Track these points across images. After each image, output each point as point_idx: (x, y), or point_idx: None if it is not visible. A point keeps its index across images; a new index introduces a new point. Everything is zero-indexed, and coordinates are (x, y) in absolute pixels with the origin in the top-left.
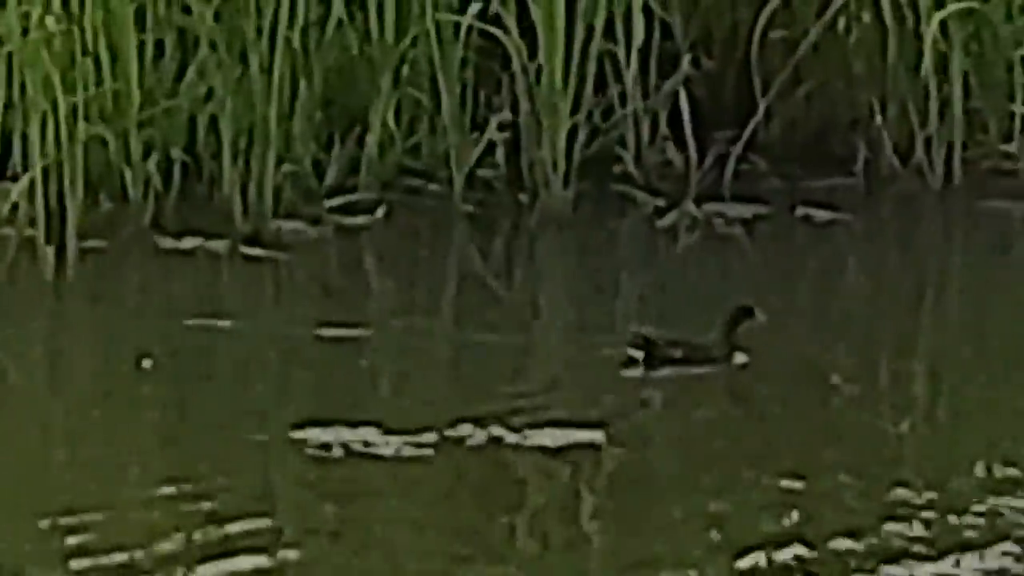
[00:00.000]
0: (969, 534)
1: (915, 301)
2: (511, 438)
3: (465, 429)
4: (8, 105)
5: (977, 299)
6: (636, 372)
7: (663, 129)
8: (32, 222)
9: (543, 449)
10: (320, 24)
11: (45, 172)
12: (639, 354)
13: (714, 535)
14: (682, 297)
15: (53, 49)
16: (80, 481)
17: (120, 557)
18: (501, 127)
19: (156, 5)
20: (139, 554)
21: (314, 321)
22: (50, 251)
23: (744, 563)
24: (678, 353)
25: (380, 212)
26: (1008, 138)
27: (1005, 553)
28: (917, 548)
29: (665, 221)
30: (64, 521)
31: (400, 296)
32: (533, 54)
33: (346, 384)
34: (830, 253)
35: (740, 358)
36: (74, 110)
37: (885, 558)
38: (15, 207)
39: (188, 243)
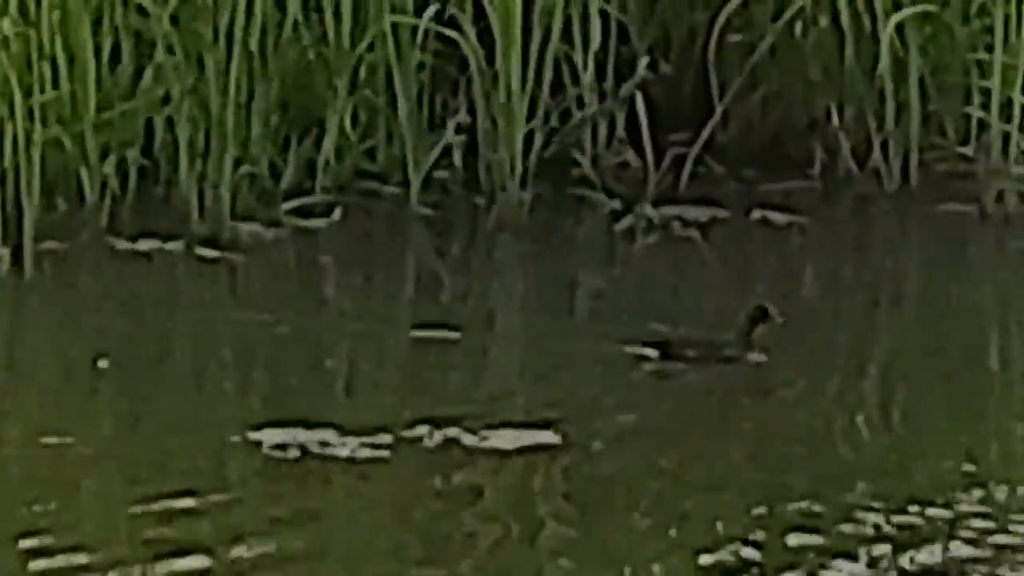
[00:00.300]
0: (923, 532)
1: (872, 304)
2: (468, 440)
3: (422, 430)
4: None
5: (934, 302)
6: (651, 368)
7: (620, 132)
8: None
9: (500, 451)
10: (276, 27)
11: (2, 174)
12: (654, 353)
13: (671, 541)
14: (640, 299)
15: (9, 51)
16: (35, 487)
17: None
18: (458, 130)
19: (113, 8)
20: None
21: (270, 323)
22: (6, 253)
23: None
24: (692, 352)
25: (336, 214)
26: (965, 141)
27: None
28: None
29: (622, 224)
30: (30, 540)
31: (357, 298)
32: (490, 57)
33: (303, 385)
34: (787, 256)
35: (756, 358)
36: (31, 112)
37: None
38: None
39: (144, 245)
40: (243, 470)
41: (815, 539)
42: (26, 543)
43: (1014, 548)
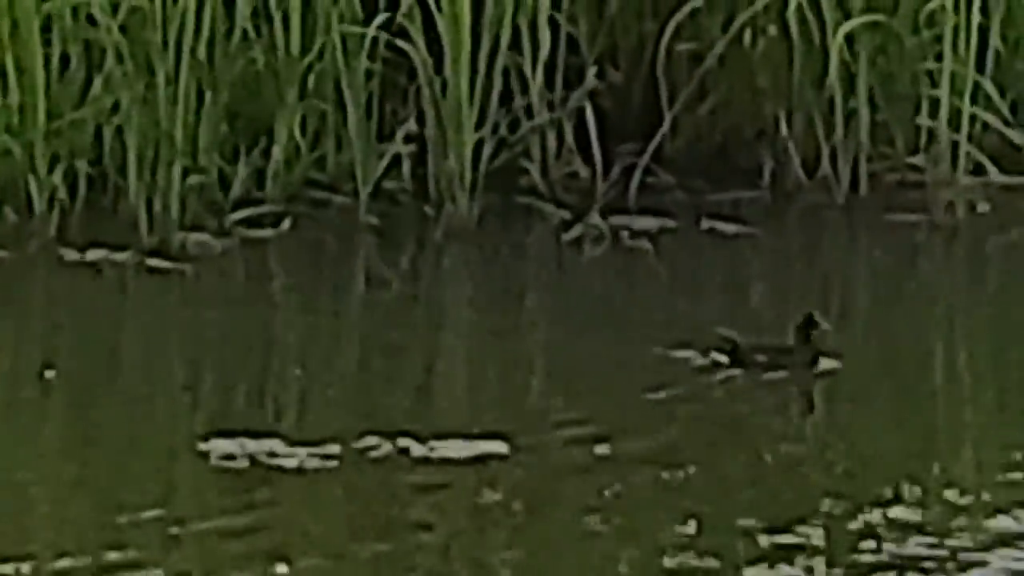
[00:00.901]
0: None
1: (821, 313)
2: (417, 450)
3: (370, 440)
4: None
5: (883, 311)
6: (722, 375)
7: (569, 142)
8: None
9: (449, 461)
10: (225, 36)
11: None
12: (723, 358)
13: (616, 555)
14: (589, 309)
15: None
16: None
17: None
18: (407, 139)
19: (62, 17)
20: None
21: (219, 333)
22: None
23: None
24: (762, 357)
25: (286, 224)
26: (914, 151)
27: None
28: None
29: (571, 234)
30: None
31: (306, 308)
32: (439, 67)
33: (252, 396)
34: (736, 266)
35: (825, 364)
36: None
37: None
38: None
39: (93, 255)
40: (192, 480)
41: (756, 551)
42: None
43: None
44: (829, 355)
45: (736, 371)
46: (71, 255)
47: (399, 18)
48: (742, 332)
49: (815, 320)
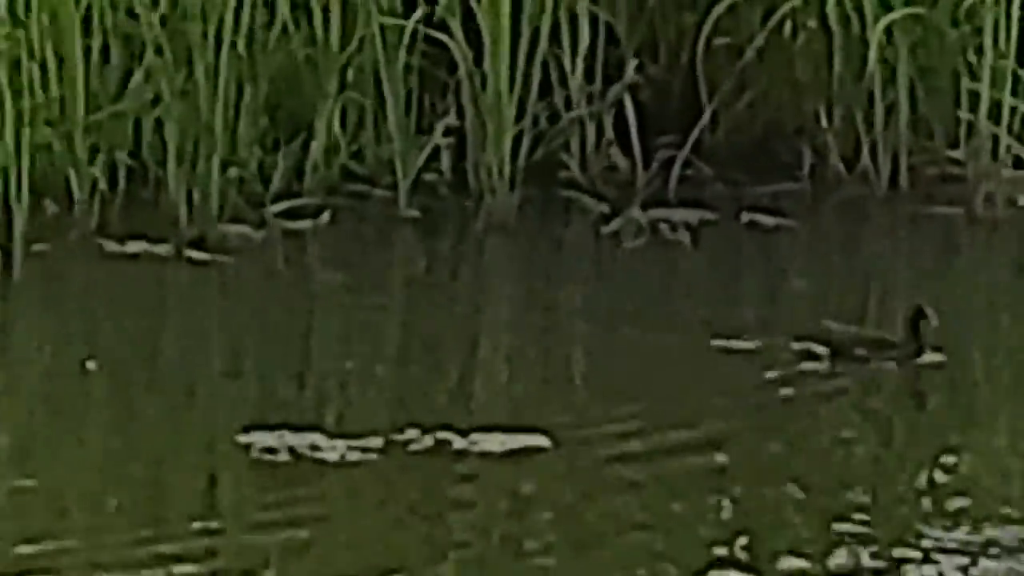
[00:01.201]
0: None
1: (860, 307)
2: (458, 443)
3: (411, 433)
4: None
5: (923, 304)
6: (821, 366)
7: (608, 134)
8: None
9: (490, 455)
10: (265, 29)
11: None
12: (823, 350)
13: (658, 549)
14: (629, 302)
15: None
16: (26, 493)
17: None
18: (446, 132)
19: (102, 10)
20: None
21: (258, 325)
22: None
23: None
24: (862, 350)
25: (325, 217)
26: (954, 144)
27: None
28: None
29: (611, 227)
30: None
31: (345, 301)
32: (478, 59)
33: (293, 388)
34: (776, 259)
35: (930, 357)
36: (20, 114)
37: None
38: None
39: (133, 247)
40: (233, 473)
41: (804, 563)
42: (23, 549)
43: None
44: (934, 349)
45: (833, 365)
46: (111, 247)
47: (439, 11)
48: (782, 325)
49: (924, 313)
